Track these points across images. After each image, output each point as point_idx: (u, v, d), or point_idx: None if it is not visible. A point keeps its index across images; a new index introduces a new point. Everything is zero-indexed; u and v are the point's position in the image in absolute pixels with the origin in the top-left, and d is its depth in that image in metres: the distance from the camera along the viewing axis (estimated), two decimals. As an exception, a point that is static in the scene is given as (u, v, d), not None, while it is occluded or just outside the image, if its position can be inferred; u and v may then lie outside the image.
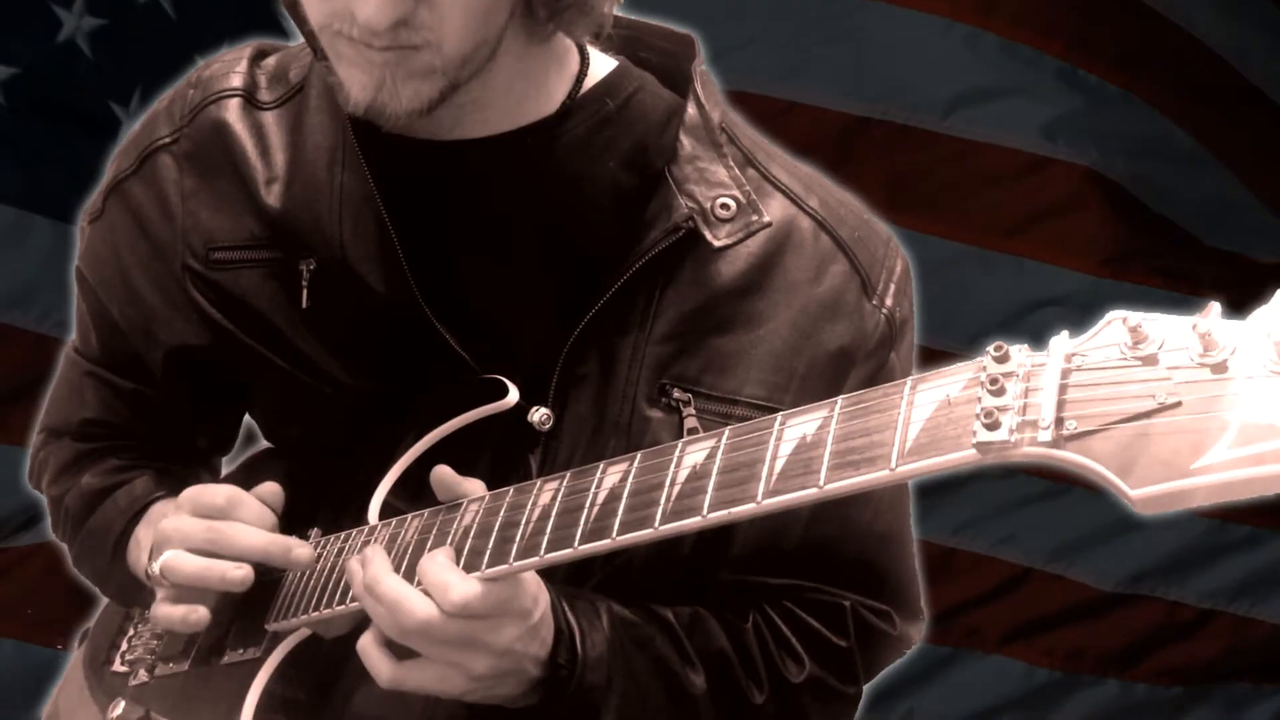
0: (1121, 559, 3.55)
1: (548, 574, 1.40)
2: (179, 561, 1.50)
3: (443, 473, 1.43)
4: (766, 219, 1.50)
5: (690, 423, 1.47)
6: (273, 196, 1.55)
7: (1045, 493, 3.51)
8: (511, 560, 1.32)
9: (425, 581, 1.34)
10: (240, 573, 1.49)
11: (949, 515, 3.48)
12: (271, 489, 1.55)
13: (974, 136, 3.49)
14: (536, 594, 1.37)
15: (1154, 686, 3.59)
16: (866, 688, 1.61)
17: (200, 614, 1.51)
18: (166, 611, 1.53)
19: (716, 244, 1.49)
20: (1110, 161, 3.51)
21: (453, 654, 1.35)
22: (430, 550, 1.38)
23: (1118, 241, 3.54)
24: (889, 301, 1.53)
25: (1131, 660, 3.60)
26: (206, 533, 1.50)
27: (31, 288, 3.31)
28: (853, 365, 1.50)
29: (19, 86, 3.29)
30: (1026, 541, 3.57)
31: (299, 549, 1.49)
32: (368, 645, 1.39)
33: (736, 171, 1.51)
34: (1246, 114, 3.59)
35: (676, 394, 1.48)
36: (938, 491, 3.28)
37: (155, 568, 1.51)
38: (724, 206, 1.49)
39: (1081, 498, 3.42)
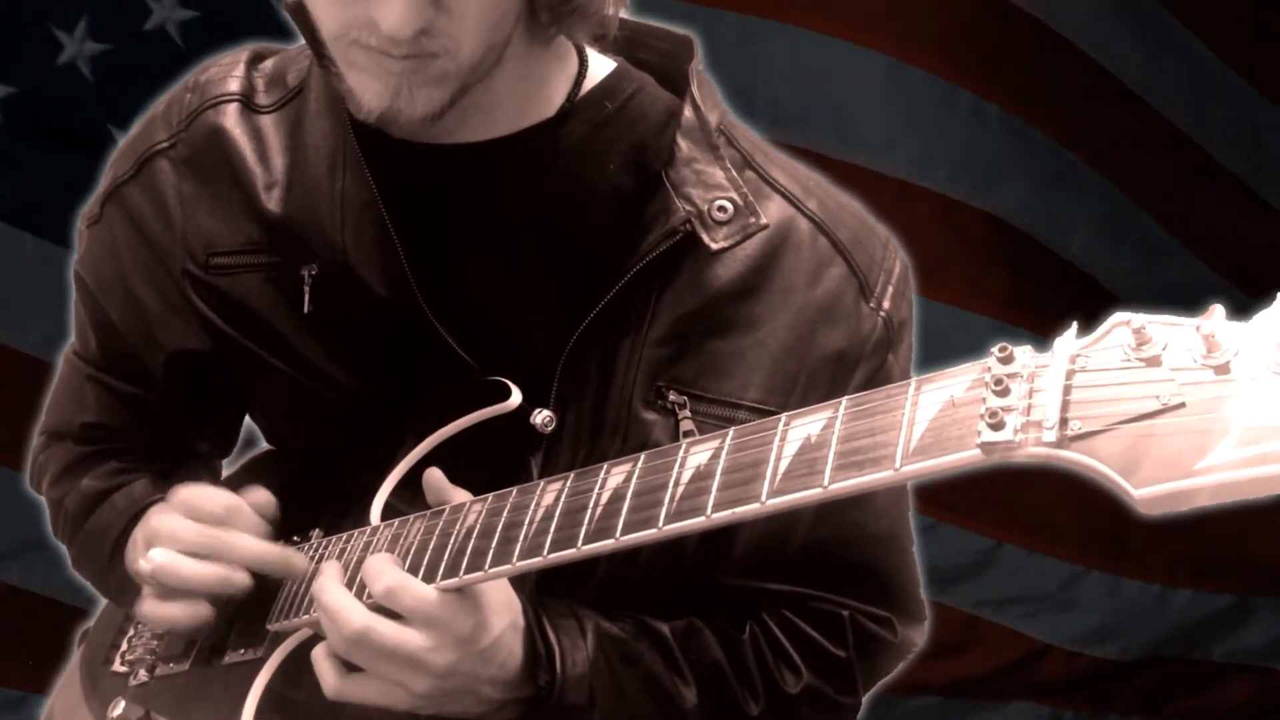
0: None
1: (548, 583, 1.42)
2: (175, 563, 1.51)
3: (433, 476, 1.45)
4: (764, 221, 1.50)
5: (686, 425, 1.47)
6: (273, 201, 1.55)
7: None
8: (515, 560, 1.32)
9: (364, 573, 1.38)
10: (244, 578, 1.51)
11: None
12: (265, 497, 1.56)
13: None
14: (486, 619, 1.38)
15: None
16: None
17: (204, 610, 1.53)
18: (158, 609, 1.54)
19: (714, 247, 1.49)
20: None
21: (393, 671, 1.37)
22: (429, 553, 1.40)
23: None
24: (887, 304, 1.53)
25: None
26: (203, 538, 1.51)
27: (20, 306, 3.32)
28: (851, 368, 1.50)
29: (16, 106, 3.31)
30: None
31: (295, 559, 1.52)
32: (318, 656, 1.42)
33: (734, 173, 1.51)
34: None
35: (672, 396, 1.49)
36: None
37: (145, 565, 1.52)
38: (721, 209, 1.50)
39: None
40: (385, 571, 1.37)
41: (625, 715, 1.46)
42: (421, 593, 1.35)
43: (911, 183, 3.66)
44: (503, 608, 1.40)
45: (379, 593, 1.36)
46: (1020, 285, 3.74)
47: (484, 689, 1.40)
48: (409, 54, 1.37)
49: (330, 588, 1.39)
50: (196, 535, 1.51)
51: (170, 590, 1.53)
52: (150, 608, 1.55)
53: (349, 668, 1.40)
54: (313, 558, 1.54)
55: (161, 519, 1.54)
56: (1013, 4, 3.62)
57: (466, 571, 1.35)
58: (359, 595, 1.39)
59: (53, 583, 3.37)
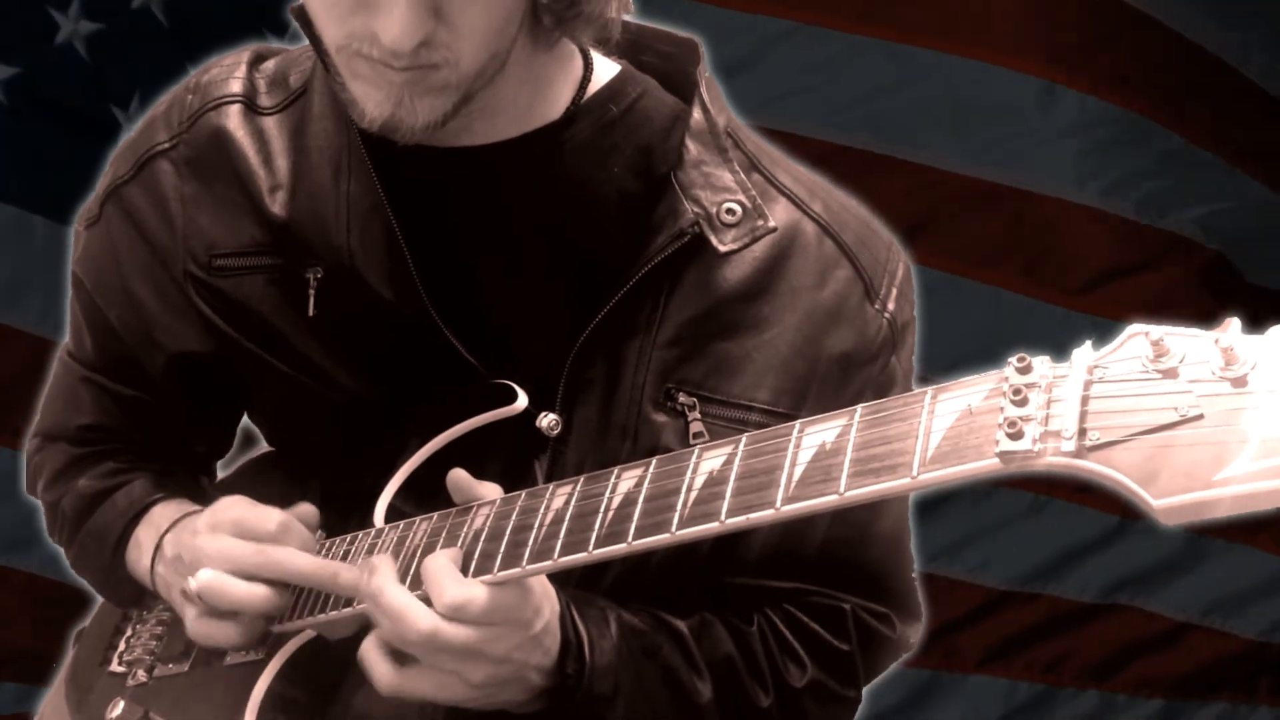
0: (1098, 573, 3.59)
1: (561, 579, 1.42)
2: (224, 584, 1.49)
3: (459, 476, 1.43)
4: (771, 224, 1.51)
5: (695, 426, 1.48)
6: (277, 204, 1.55)
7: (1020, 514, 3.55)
8: (524, 563, 1.33)
9: (424, 580, 1.35)
10: (289, 597, 1.50)
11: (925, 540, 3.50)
12: (309, 510, 1.56)
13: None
14: (540, 604, 1.38)
15: (1134, 697, 3.63)
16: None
17: (260, 627, 1.52)
18: (211, 629, 1.52)
19: (722, 249, 1.49)
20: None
21: (452, 662, 1.36)
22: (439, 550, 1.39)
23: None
24: (891, 306, 1.54)
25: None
26: (259, 557, 1.49)
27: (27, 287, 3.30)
28: (856, 370, 1.52)
29: (19, 86, 3.30)
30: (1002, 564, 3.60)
31: (345, 574, 1.46)
32: (369, 651, 1.40)
33: (742, 176, 1.52)
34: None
35: (682, 398, 1.49)
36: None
37: (192, 584, 1.50)
38: (730, 211, 1.50)
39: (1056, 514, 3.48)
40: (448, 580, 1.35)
41: (645, 707, 1.46)
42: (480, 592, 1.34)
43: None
44: (546, 595, 1.40)
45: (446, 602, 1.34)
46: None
47: (531, 675, 1.40)
48: (410, 66, 1.37)
49: (389, 588, 1.36)
50: (252, 555, 1.49)
51: (218, 610, 1.51)
52: (203, 627, 1.53)
53: (400, 659, 1.38)
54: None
55: (210, 541, 1.52)
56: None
57: (474, 575, 1.35)
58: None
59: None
